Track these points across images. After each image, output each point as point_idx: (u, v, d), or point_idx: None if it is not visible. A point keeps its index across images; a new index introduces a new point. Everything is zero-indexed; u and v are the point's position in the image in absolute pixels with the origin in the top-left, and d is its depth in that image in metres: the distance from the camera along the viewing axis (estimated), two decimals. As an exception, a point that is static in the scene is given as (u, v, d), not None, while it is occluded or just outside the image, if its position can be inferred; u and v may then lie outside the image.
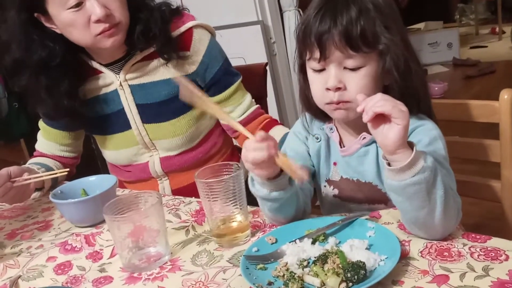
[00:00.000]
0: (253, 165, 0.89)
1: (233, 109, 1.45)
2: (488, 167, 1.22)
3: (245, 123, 1.43)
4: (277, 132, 1.42)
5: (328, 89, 0.94)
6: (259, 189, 0.96)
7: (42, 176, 1.35)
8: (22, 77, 1.35)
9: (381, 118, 0.81)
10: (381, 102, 0.80)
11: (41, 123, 1.53)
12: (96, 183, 1.28)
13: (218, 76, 1.41)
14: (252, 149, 0.88)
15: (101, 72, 1.39)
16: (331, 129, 1.06)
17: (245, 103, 1.45)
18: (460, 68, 4.88)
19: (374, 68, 0.93)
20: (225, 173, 1.01)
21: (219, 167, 1.03)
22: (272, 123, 1.46)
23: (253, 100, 1.48)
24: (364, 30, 0.89)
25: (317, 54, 0.92)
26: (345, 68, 0.92)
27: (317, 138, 1.08)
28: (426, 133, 0.94)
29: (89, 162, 1.78)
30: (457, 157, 1.16)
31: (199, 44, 1.38)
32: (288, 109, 2.80)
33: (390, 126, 0.80)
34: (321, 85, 0.95)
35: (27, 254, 1.13)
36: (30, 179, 1.31)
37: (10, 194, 1.29)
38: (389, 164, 0.82)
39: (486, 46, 5.62)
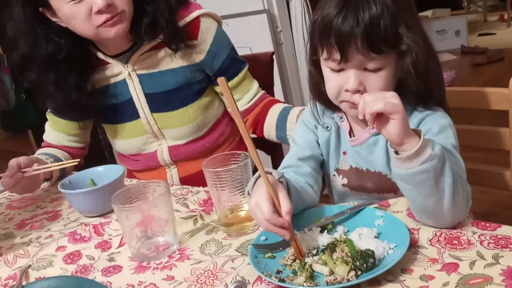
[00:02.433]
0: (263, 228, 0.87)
1: (241, 96, 1.45)
2: (498, 155, 1.22)
3: (252, 109, 1.46)
4: (276, 108, 1.43)
5: (347, 90, 0.92)
6: None
7: (52, 166, 1.36)
8: (30, 72, 1.35)
9: (379, 115, 0.80)
10: (371, 103, 0.79)
11: (49, 114, 1.54)
12: (104, 173, 1.28)
13: (226, 65, 1.41)
14: (269, 221, 0.83)
15: (108, 63, 1.39)
16: (341, 118, 1.06)
17: (252, 90, 1.46)
18: (468, 56, 4.85)
19: (394, 68, 0.91)
20: (232, 162, 1.01)
21: (226, 156, 1.03)
22: (271, 102, 1.47)
23: (260, 87, 1.49)
24: (386, 31, 0.86)
25: (337, 56, 0.90)
26: (365, 69, 0.91)
27: (327, 127, 1.07)
28: (436, 121, 0.94)
29: (96, 153, 1.79)
30: (466, 145, 1.15)
31: (207, 33, 1.37)
32: (295, 98, 2.79)
33: (389, 122, 0.80)
34: (339, 84, 0.94)
35: (37, 244, 1.13)
36: (40, 169, 1.31)
37: (21, 185, 1.30)
38: (396, 153, 0.82)
39: (494, 34, 5.58)
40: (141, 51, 1.35)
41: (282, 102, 1.49)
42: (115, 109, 1.44)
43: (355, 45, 0.87)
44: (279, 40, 2.70)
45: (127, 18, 1.28)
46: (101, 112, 1.46)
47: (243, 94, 1.45)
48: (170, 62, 1.38)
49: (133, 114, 1.43)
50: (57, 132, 1.53)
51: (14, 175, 1.27)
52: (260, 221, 0.85)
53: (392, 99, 0.79)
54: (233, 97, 0.84)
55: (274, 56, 1.74)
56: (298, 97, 2.79)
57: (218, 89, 1.46)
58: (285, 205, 0.83)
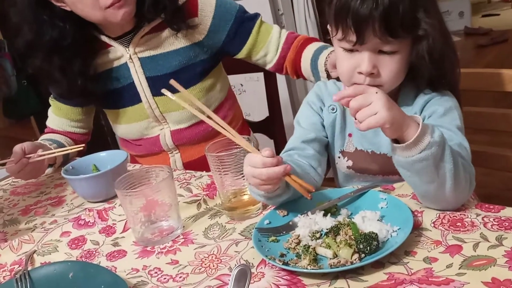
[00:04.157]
0: (267, 181, 0.86)
1: (266, 51, 1.41)
2: (501, 137, 1.21)
3: (284, 55, 1.40)
4: (307, 53, 1.37)
5: (360, 72, 0.91)
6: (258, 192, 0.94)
7: (57, 152, 1.35)
8: (35, 59, 1.35)
9: None
10: (360, 118, 0.80)
11: (52, 100, 1.54)
12: (107, 158, 1.29)
13: (234, 30, 1.39)
14: (264, 164, 0.85)
15: (110, 45, 1.38)
16: None
17: (273, 38, 1.41)
18: (472, 37, 4.81)
19: (408, 52, 0.91)
20: (235, 146, 1.01)
21: (229, 140, 1.02)
22: (306, 42, 1.40)
23: (282, 29, 1.43)
24: (404, 16, 0.85)
25: (352, 38, 0.88)
26: (379, 51, 0.89)
27: (332, 109, 1.06)
28: (442, 103, 0.93)
29: (99, 138, 1.79)
30: (469, 127, 1.14)
31: (206, 7, 1.37)
32: (297, 81, 2.78)
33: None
34: (352, 66, 0.92)
35: (41, 229, 1.14)
36: (44, 155, 1.31)
37: (26, 170, 1.30)
38: (396, 141, 0.82)
39: (498, 14, 5.52)
40: (141, 33, 1.35)
41: (314, 41, 1.40)
42: (117, 93, 1.43)
43: (372, 28, 0.85)
44: (281, 23, 2.68)
45: (133, 1, 1.27)
46: (103, 96, 1.46)
47: (267, 48, 1.41)
48: (173, 42, 1.38)
49: (135, 98, 1.42)
50: (60, 117, 1.53)
51: (19, 160, 1.27)
52: (259, 173, 0.85)
53: (375, 107, 0.79)
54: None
55: (276, 39, 1.72)
56: (300, 80, 2.77)
57: (242, 54, 1.44)
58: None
